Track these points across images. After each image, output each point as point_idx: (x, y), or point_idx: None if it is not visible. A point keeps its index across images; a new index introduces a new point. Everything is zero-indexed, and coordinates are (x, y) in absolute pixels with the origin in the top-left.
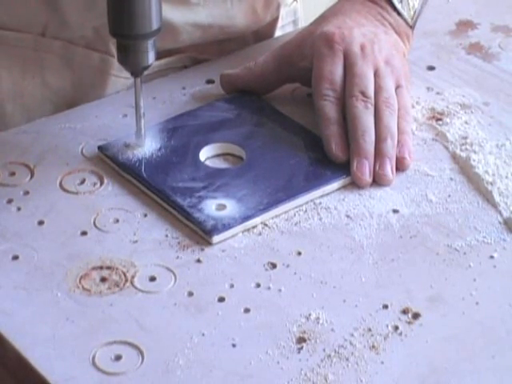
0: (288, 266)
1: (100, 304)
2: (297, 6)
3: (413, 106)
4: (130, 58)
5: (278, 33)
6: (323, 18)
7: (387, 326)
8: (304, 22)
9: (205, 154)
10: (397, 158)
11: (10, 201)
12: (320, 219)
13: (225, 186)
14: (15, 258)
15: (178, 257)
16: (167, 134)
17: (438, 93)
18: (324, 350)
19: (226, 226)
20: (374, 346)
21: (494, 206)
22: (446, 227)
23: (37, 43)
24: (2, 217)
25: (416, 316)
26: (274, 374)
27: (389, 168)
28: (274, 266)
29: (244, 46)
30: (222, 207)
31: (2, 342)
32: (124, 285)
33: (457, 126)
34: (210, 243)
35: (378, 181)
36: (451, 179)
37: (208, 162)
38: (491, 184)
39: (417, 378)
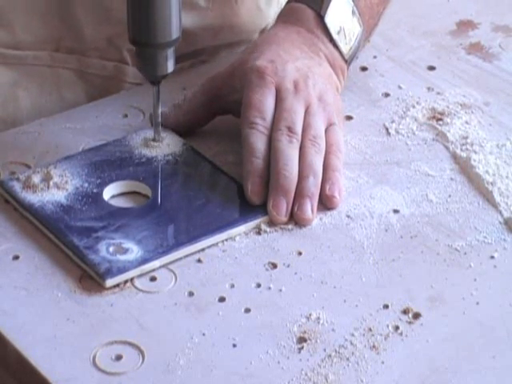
0: (288, 266)
1: (100, 304)
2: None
3: (413, 106)
4: (148, 66)
5: None
6: (256, 47)
7: (388, 325)
8: None
9: (109, 192)
10: (326, 196)
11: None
12: (320, 219)
13: (125, 226)
14: (16, 257)
15: (178, 257)
16: (73, 171)
17: (438, 93)
18: (324, 350)
19: (121, 270)
20: (374, 346)
21: (495, 206)
22: (446, 227)
23: (52, 60)
24: (3, 217)
25: (416, 316)
26: (274, 374)
27: (308, 208)
28: (274, 266)
29: None
30: (119, 249)
31: (2, 342)
32: (124, 285)
33: (457, 125)
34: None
35: (296, 221)
36: (452, 179)
37: (113, 201)
38: (492, 184)
39: (417, 377)
